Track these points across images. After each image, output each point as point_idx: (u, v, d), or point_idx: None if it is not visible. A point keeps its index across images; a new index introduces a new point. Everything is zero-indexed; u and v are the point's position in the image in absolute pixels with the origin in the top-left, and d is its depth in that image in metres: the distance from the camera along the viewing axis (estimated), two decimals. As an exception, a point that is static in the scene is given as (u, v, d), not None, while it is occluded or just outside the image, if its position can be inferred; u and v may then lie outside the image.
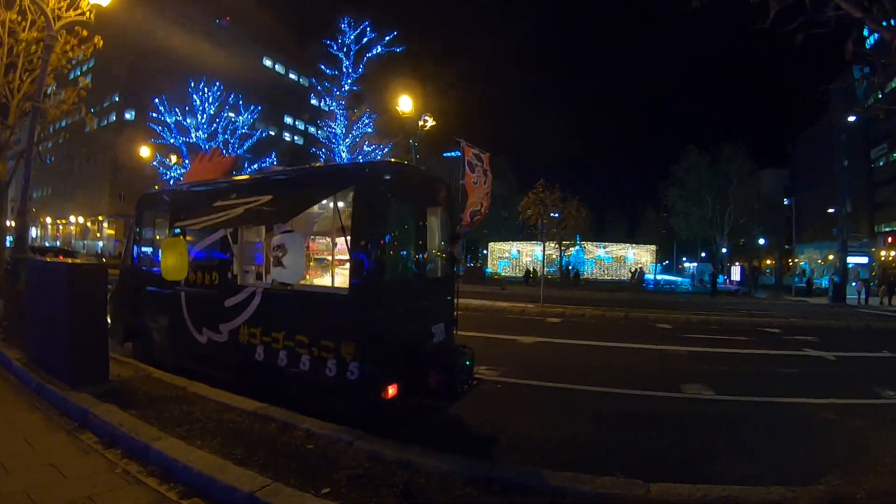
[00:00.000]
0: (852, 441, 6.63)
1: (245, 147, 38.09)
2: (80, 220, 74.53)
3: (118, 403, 5.62)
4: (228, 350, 6.82)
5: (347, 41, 29.32)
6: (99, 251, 62.62)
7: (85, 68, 56.25)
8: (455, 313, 7.57)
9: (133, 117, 64.65)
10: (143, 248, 8.73)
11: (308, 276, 6.61)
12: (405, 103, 20.14)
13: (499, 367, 9.58)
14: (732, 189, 56.96)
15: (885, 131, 63.45)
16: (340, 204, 6.14)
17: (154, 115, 37.49)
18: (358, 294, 5.70)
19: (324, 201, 6.51)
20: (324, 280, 6.78)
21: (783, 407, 8.21)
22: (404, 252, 6.67)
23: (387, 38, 29.27)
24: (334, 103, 30.24)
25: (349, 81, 29.77)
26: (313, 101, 75.56)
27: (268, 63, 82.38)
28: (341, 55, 29.59)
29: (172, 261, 6.52)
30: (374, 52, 29.48)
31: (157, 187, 10.30)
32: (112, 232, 68.68)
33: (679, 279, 56.50)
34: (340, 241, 6.28)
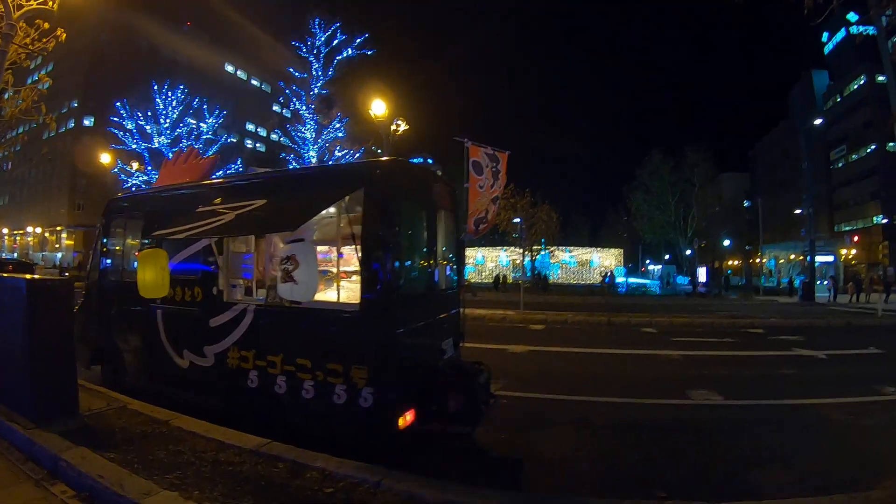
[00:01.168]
0: (876, 441, 6.58)
1: (210, 153, 36.83)
2: (38, 230, 72.23)
3: (93, 445, 4.79)
4: (215, 376, 6.04)
5: (318, 43, 28.50)
6: (58, 262, 60.41)
7: (43, 72, 54.20)
8: (462, 326, 7.00)
9: (92, 123, 62.60)
10: (112, 260, 7.82)
11: None
12: (379, 107, 19.39)
13: (497, 379, 8.95)
14: (695, 193, 57.81)
15: (842, 133, 65.28)
16: (346, 208, 5.44)
17: (116, 119, 35.96)
18: (371, 310, 5.03)
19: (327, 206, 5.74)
20: (328, 295, 6.04)
21: (795, 409, 8.05)
22: (418, 261, 6.03)
23: (357, 40, 28.60)
24: (304, 107, 29.29)
25: (319, 85, 28.93)
26: (276, 108, 74.40)
27: (230, 69, 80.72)
28: (311, 58, 28.73)
29: (152, 276, 5.66)
30: (345, 55, 28.74)
31: (120, 194, 9.31)
32: (71, 243, 66.62)
33: (648, 282, 56.92)
34: (347, 250, 5.59)
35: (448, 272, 6.94)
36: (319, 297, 6.03)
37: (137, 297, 6.36)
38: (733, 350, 13.59)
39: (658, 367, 11.55)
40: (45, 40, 10.85)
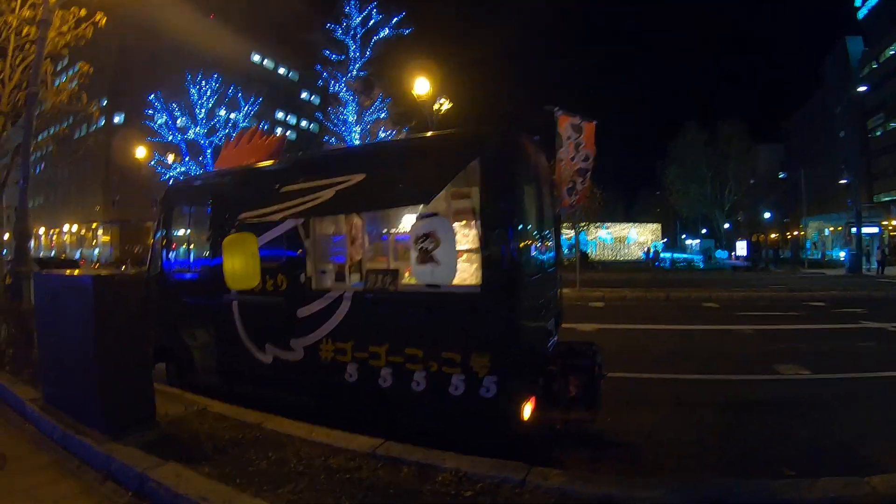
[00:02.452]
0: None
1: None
2: (75, 228, 72.83)
3: (181, 458, 4.15)
4: (304, 371, 5.50)
5: (353, 24, 27.80)
6: (95, 258, 61.08)
7: (71, 72, 54.62)
8: (562, 306, 6.58)
9: (122, 120, 62.88)
10: (176, 250, 7.30)
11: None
12: (421, 86, 18.70)
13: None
14: (731, 165, 56.69)
15: (880, 101, 62.78)
16: (457, 181, 4.88)
17: (149, 111, 35.59)
18: (494, 291, 4.48)
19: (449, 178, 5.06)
20: None
21: (885, 382, 7.81)
22: (532, 238, 5.43)
23: (394, 19, 27.89)
24: (344, 89, 28.61)
25: (357, 66, 28.26)
26: (305, 96, 74.14)
27: (256, 58, 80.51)
28: (348, 39, 28.03)
29: (241, 264, 5.08)
30: (382, 35, 28.06)
31: (176, 180, 8.84)
32: (107, 238, 67.21)
33: (693, 256, 55.90)
34: (458, 226, 4.99)
35: (551, 249, 6.41)
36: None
37: (208, 288, 5.92)
38: (802, 324, 13.41)
39: (734, 342, 11.28)
40: (84, 26, 10.47)
